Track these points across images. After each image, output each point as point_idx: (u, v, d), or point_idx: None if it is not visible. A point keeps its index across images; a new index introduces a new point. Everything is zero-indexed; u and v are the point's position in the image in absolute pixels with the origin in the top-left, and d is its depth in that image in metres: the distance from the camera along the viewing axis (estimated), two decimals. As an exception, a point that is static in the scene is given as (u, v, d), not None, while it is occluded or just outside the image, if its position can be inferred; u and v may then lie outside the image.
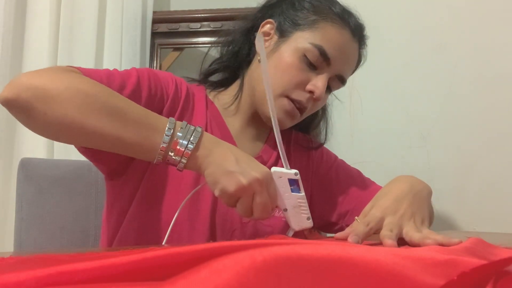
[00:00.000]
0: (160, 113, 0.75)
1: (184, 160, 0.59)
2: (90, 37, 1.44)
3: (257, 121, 0.86)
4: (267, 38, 0.83)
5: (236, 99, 0.85)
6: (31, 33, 1.44)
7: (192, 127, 0.60)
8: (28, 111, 0.56)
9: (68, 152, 1.32)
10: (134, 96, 0.70)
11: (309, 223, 0.63)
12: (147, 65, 1.52)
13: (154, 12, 1.53)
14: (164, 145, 0.58)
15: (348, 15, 0.81)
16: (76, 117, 0.56)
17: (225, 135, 0.83)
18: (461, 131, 1.19)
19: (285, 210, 0.62)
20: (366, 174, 1.35)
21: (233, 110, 0.86)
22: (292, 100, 0.78)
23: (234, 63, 0.87)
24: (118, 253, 0.35)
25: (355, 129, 1.36)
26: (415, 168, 1.25)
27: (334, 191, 0.92)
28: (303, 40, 0.77)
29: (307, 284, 0.22)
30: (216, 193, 0.59)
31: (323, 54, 0.76)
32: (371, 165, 1.32)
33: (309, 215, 0.63)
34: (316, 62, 0.77)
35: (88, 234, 1.01)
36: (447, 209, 1.20)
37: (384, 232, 0.58)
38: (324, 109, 0.96)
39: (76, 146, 0.70)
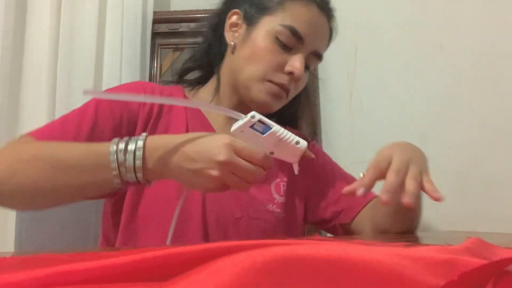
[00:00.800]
0: (135, 129, 0.74)
1: (142, 179, 0.57)
2: (90, 37, 1.44)
3: (241, 111, 0.85)
4: (235, 28, 0.82)
5: (215, 94, 0.85)
6: (31, 33, 1.44)
7: (132, 144, 0.56)
8: None
9: (68, 152, 1.32)
10: (95, 132, 0.69)
11: (302, 145, 0.57)
12: (147, 65, 1.51)
13: (154, 12, 1.53)
14: (115, 172, 0.56)
15: None
16: (28, 185, 0.56)
17: (209, 131, 0.81)
18: (461, 131, 1.19)
19: (272, 153, 0.56)
20: (366, 174, 1.35)
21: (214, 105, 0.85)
22: (275, 84, 0.78)
23: (207, 60, 0.87)
24: (118, 253, 0.35)
25: (355, 129, 1.36)
26: (415, 168, 1.25)
27: (330, 188, 0.92)
28: (272, 23, 0.77)
29: (307, 284, 0.22)
30: (203, 192, 0.58)
31: (295, 33, 0.76)
32: (371, 165, 1.32)
33: (297, 138, 0.57)
34: (290, 42, 0.77)
35: (88, 234, 1.01)
36: (447, 209, 1.20)
37: (391, 173, 0.59)
38: (307, 97, 0.95)
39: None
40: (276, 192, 0.85)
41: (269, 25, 0.77)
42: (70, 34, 1.43)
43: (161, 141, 0.58)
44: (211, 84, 0.87)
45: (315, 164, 0.94)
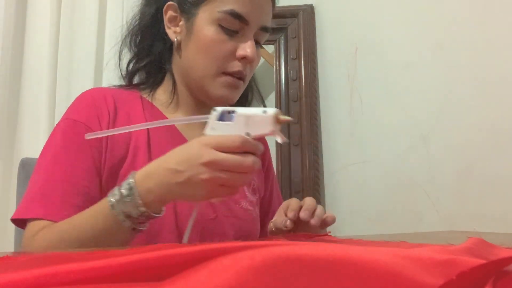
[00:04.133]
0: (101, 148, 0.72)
1: (148, 213, 0.57)
2: (90, 37, 1.45)
3: (203, 109, 0.82)
4: (174, 23, 0.79)
5: (173, 94, 0.81)
6: (31, 33, 1.44)
7: (124, 187, 0.57)
8: None
9: (68, 152, 1.32)
10: (96, 168, 0.70)
11: (270, 111, 0.54)
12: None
13: (154, 12, 1.53)
14: (122, 218, 0.57)
15: None
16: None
17: (172, 132, 0.79)
18: (461, 131, 1.19)
19: (248, 134, 0.54)
20: (366, 174, 1.35)
21: (174, 106, 0.82)
22: (231, 74, 0.75)
23: (153, 58, 0.83)
24: (123, 252, 0.35)
25: (355, 129, 1.36)
26: (415, 168, 1.25)
27: (267, 195, 0.92)
28: (211, 11, 0.74)
29: (306, 284, 0.22)
30: (201, 201, 0.57)
31: (237, 16, 0.73)
32: (371, 165, 1.32)
33: (264, 109, 0.55)
34: (234, 27, 0.74)
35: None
36: (447, 209, 1.20)
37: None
38: (251, 87, 0.91)
39: None
40: (248, 189, 0.84)
41: (209, 14, 0.74)
42: (70, 34, 1.43)
43: (147, 170, 0.58)
44: (167, 83, 0.83)
45: (264, 160, 0.94)
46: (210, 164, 0.52)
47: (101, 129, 0.73)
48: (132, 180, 0.57)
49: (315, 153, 1.37)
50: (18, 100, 1.43)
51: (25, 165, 0.99)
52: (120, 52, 0.86)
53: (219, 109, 0.57)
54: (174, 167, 0.54)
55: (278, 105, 1.41)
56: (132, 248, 0.48)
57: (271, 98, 1.43)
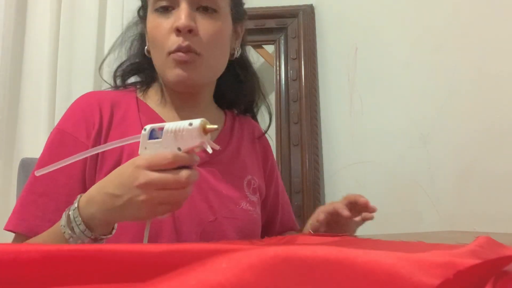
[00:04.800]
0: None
1: (96, 235, 0.57)
2: (91, 37, 1.45)
3: (188, 102, 0.83)
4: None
5: (162, 93, 0.83)
6: (31, 33, 1.44)
7: (70, 212, 0.58)
8: None
9: (68, 152, 1.32)
10: (81, 181, 0.70)
11: (195, 123, 0.54)
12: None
13: (154, 12, 1.53)
14: (73, 240, 0.58)
15: None
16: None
17: None
18: (461, 131, 1.19)
19: (179, 149, 0.54)
20: (366, 174, 1.35)
21: (163, 104, 0.83)
22: (174, 52, 0.73)
23: (145, 62, 0.85)
24: (118, 247, 0.35)
25: (355, 129, 1.36)
26: (415, 168, 1.25)
27: (272, 195, 0.92)
28: (149, 5, 0.77)
29: (305, 284, 0.22)
30: (146, 219, 0.57)
31: None
32: (371, 165, 1.32)
33: (190, 121, 0.54)
34: (165, 3, 0.74)
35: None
36: (447, 209, 1.20)
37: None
38: (254, 82, 0.92)
39: None
40: (248, 189, 0.84)
41: (149, 9, 0.77)
42: (70, 34, 1.43)
43: (89, 195, 0.58)
44: (157, 84, 0.85)
45: (266, 162, 0.93)
46: (145, 186, 0.52)
47: (89, 139, 0.74)
48: (76, 206, 0.58)
49: (315, 153, 1.37)
50: (18, 100, 1.43)
51: (25, 165, 0.99)
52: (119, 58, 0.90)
53: (148, 127, 0.57)
54: (112, 192, 0.55)
55: (278, 105, 1.41)
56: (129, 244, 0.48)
57: (271, 98, 1.43)
